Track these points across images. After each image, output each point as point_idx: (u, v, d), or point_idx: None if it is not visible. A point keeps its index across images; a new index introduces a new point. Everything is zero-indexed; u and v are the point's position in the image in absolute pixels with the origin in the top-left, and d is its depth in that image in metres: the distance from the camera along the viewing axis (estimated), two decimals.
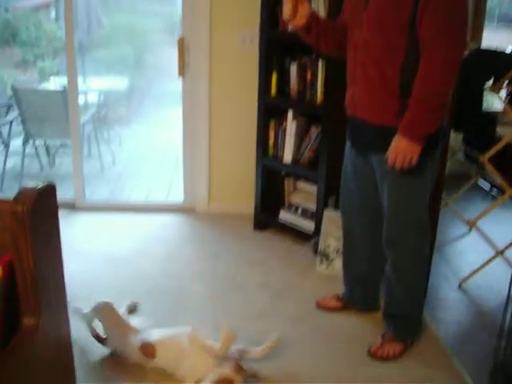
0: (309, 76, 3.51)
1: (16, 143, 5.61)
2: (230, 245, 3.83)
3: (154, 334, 2.53)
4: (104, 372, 2.47)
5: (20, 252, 1.48)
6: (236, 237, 3.96)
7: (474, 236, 3.80)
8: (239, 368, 2.23)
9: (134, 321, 2.72)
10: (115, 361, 2.53)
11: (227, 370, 2.23)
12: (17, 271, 1.50)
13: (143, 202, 4.77)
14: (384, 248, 2.60)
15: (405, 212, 2.46)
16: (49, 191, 1.65)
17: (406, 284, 2.61)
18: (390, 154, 2.29)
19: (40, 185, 1.60)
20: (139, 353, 2.48)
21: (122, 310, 2.79)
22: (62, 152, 5.66)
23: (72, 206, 4.37)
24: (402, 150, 2.26)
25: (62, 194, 4.58)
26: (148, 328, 2.61)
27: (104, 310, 2.53)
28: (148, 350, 2.46)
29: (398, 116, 2.28)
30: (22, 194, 1.52)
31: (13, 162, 5.52)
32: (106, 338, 2.56)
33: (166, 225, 4.19)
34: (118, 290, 3.16)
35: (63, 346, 1.83)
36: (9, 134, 5.38)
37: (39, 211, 1.56)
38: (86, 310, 2.58)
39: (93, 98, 6.23)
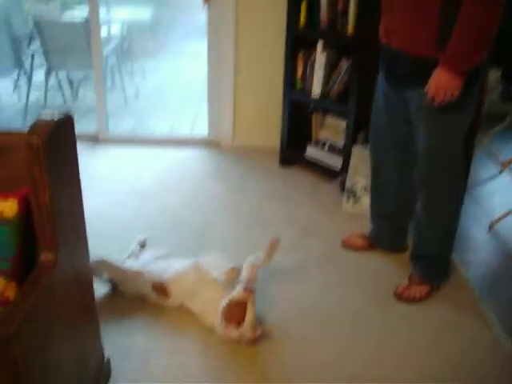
0: (340, 4, 3.32)
1: (39, 76, 5.52)
2: (254, 180, 3.76)
3: (163, 272, 2.48)
4: (122, 307, 2.46)
5: (35, 185, 1.42)
6: (261, 172, 3.88)
7: (505, 177, 3.66)
8: (249, 289, 2.21)
9: (145, 254, 2.72)
10: (132, 298, 2.52)
11: (238, 294, 2.22)
12: (33, 205, 1.45)
13: (167, 135, 4.69)
14: (416, 187, 2.50)
15: (441, 151, 2.34)
16: (66, 122, 1.57)
17: (437, 225, 2.52)
18: (430, 88, 2.15)
19: (57, 116, 1.52)
20: (154, 294, 2.46)
21: (132, 247, 2.79)
22: (86, 84, 5.57)
23: (95, 139, 4.32)
24: (442, 84, 2.11)
25: (86, 127, 4.57)
26: (155, 262, 2.59)
27: (102, 267, 2.50)
28: (161, 289, 2.44)
29: (437, 46, 2.12)
30: (38, 126, 1.44)
31: (36, 95, 5.45)
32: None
33: (190, 159, 4.12)
34: (141, 224, 3.13)
35: (83, 282, 1.79)
36: (31, 66, 5.28)
37: (56, 143, 1.49)
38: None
39: (116, 30, 6.05)
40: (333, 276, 2.75)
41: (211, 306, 2.30)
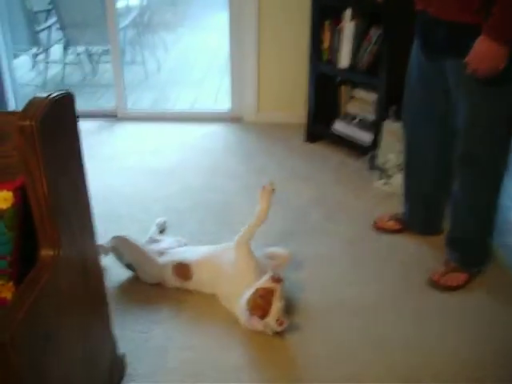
0: None
1: (57, 52, 5.38)
2: (278, 157, 3.57)
3: (186, 254, 2.36)
4: (140, 298, 2.33)
5: (31, 176, 1.27)
6: (285, 148, 3.69)
7: None
8: (277, 278, 2.05)
9: (166, 240, 2.58)
10: (151, 287, 2.37)
11: (265, 282, 2.06)
12: (30, 197, 1.30)
13: (188, 110, 4.52)
14: (454, 165, 2.30)
15: (484, 126, 2.12)
16: (65, 101, 1.40)
17: (476, 206, 2.31)
18: (472, 58, 1.94)
19: (54, 94, 1.35)
20: (174, 276, 2.32)
21: (152, 231, 2.65)
22: (106, 59, 5.40)
23: (114, 116, 4.16)
24: (486, 54, 1.90)
25: (105, 103, 4.42)
26: (178, 248, 2.46)
27: (121, 245, 2.36)
28: (183, 271, 2.30)
29: (480, 12, 1.90)
30: (32, 106, 1.28)
31: (55, 70, 5.32)
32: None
33: (211, 135, 3.94)
34: (160, 205, 2.99)
35: (91, 273, 1.65)
36: (48, 39, 5.14)
37: (53, 125, 1.33)
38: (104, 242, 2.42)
39: (135, 1, 5.87)
40: (363, 261, 2.57)
41: (236, 294, 2.15)
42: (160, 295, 2.33)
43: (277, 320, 2.03)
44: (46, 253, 1.34)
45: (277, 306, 2.02)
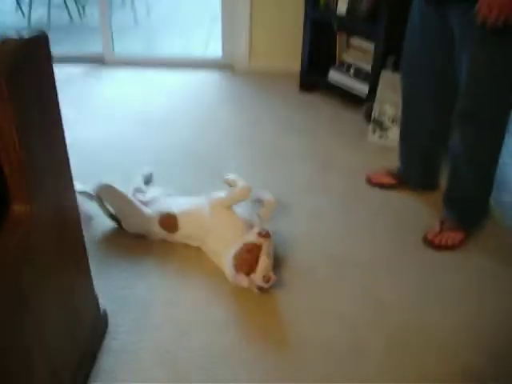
0: None
1: None
2: (272, 108, 3.45)
3: (173, 205, 2.27)
4: (124, 251, 2.25)
5: (0, 131, 1.15)
6: (279, 99, 3.57)
7: None
8: (265, 233, 1.98)
9: (152, 191, 2.48)
10: (136, 239, 2.29)
11: (252, 238, 2.00)
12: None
13: (178, 56, 4.34)
14: (454, 119, 2.19)
15: (489, 81, 2.00)
16: (38, 43, 1.28)
17: (476, 164, 2.22)
18: (482, 6, 1.80)
19: (25, 34, 1.23)
20: (159, 227, 2.24)
21: (137, 181, 2.55)
22: (94, 1, 5.18)
23: (101, 61, 4.00)
24: (497, 1, 1.77)
25: (91, 48, 4.24)
26: (164, 198, 2.36)
27: (106, 193, 2.27)
28: (169, 222, 2.21)
29: None
30: None
31: (39, 12, 5.09)
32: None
33: (202, 83, 3.81)
34: (148, 157, 2.88)
35: (68, 228, 1.54)
36: None
37: (24, 70, 1.21)
38: (86, 188, 2.32)
39: None
40: (358, 217, 2.49)
41: (224, 243, 2.09)
42: (145, 248, 2.24)
43: (263, 276, 1.96)
44: (17, 208, 1.25)
45: (264, 261, 1.95)
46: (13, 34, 1.23)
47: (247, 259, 1.97)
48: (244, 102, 3.54)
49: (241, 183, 2.20)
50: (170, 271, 2.15)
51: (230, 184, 2.25)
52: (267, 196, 2.32)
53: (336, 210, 2.53)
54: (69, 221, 1.55)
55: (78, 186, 2.39)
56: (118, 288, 2.05)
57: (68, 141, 1.45)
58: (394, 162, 2.70)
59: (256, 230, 2.01)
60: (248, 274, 1.97)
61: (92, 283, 1.76)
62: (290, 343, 1.87)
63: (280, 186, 2.65)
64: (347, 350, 1.83)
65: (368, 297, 2.05)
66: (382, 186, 2.67)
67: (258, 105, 3.49)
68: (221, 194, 2.21)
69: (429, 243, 2.30)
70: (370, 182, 2.70)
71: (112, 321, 1.89)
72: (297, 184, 2.70)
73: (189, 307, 1.99)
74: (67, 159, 1.48)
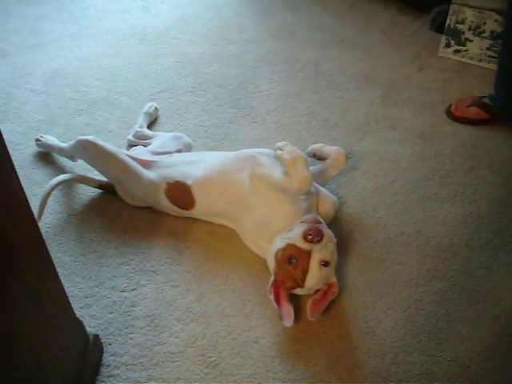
0: None
1: None
2: (308, 13, 2.72)
3: (187, 168, 1.58)
4: (120, 233, 1.60)
5: None
6: (323, 3, 2.79)
7: None
8: (311, 238, 1.29)
9: (159, 137, 1.83)
10: (134, 213, 1.64)
11: (299, 239, 1.30)
12: None
13: None
14: None
15: None
16: None
17: None
18: None
19: None
20: (167, 201, 1.58)
21: (138, 122, 1.92)
22: None
23: None
24: None
25: None
26: (175, 156, 1.67)
27: (87, 154, 1.61)
28: (180, 196, 1.56)
29: None
30: None
31: None
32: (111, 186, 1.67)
33: None
34: (151, 83, 2.22)
35: (19, 229, 0.89)
36: None
37: None
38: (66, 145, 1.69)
39: None
40: (434, 171, 1.82)
41: (263, 233, 1.44)
42: (150, 227, 1.60)
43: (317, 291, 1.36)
44: None
45: (315, 275, 1.31)
46: None
47: (289, 271, 1.33)
48: (272, 5, 2.78)
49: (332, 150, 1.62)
50: (186, 263, 1.51)
51: (317, 155, 1.66)
52: (334, 151, 1.63)
53: (406, 156, 1.85)
54: (15, 197, 0.90)
55: (54, 144, 1.76)
56: (113, 291, 1.43)
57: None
58: (480, 86, 2.02)
59: (301, 228, 1.32)
60: (292, 289, 1.35)
61: (70, 306, 1.13)
62: None
63: (333, 124, 1.97)
64: None
65: None
66: (468, 120, 2.00)
67: (293, 10, 2.73)
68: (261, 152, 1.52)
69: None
70: (451, 115, 2.02)
71: (107, 345, 1.29)
72: (354, 120, 2.04)
73: (211, 323, 1.37)
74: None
